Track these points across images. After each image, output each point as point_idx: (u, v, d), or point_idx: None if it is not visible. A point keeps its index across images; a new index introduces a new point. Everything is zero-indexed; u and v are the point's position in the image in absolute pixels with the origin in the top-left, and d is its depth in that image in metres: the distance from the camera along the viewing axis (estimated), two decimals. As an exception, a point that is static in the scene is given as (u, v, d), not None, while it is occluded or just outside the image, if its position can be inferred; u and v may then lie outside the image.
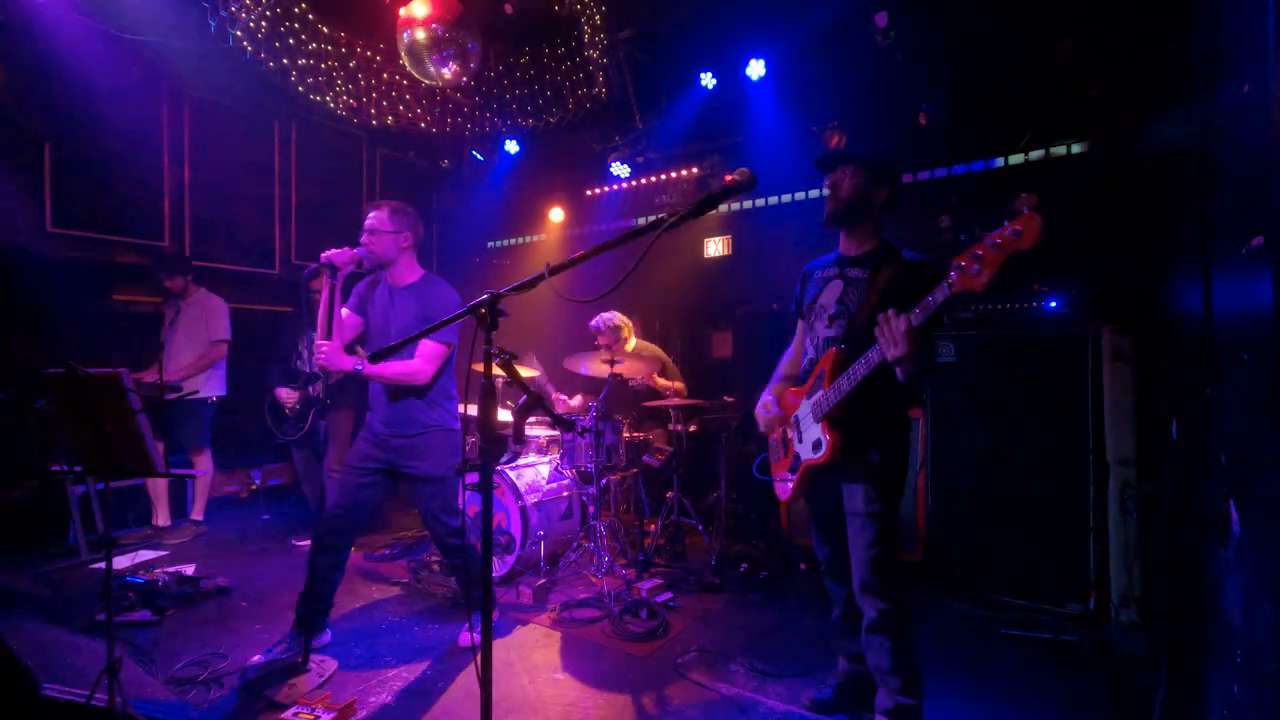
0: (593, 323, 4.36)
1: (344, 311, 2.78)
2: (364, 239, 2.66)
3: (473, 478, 3.59)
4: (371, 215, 2.69)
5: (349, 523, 2.71)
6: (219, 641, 2.83)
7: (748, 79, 4.53)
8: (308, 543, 3.63)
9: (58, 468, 3.74)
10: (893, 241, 2.16)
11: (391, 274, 2.78)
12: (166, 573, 3.33)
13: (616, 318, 4.33)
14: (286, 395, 4.21)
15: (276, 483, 5.44)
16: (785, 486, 2.23)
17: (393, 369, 2.66)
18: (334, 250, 2.51)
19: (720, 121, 5.09)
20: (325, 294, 2.58)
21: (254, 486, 5.31)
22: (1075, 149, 3.89)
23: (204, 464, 4.49)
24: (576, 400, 4.45)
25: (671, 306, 5.91)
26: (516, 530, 3.56)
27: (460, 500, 2.95)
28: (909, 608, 2.04)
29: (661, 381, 4.27)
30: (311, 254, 3.52)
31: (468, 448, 3.80)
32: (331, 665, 2.58)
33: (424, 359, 2.66)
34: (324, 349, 2.52)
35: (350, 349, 3.10)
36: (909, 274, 2.03)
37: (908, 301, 1.81)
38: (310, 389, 4.12)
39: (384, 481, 2.78)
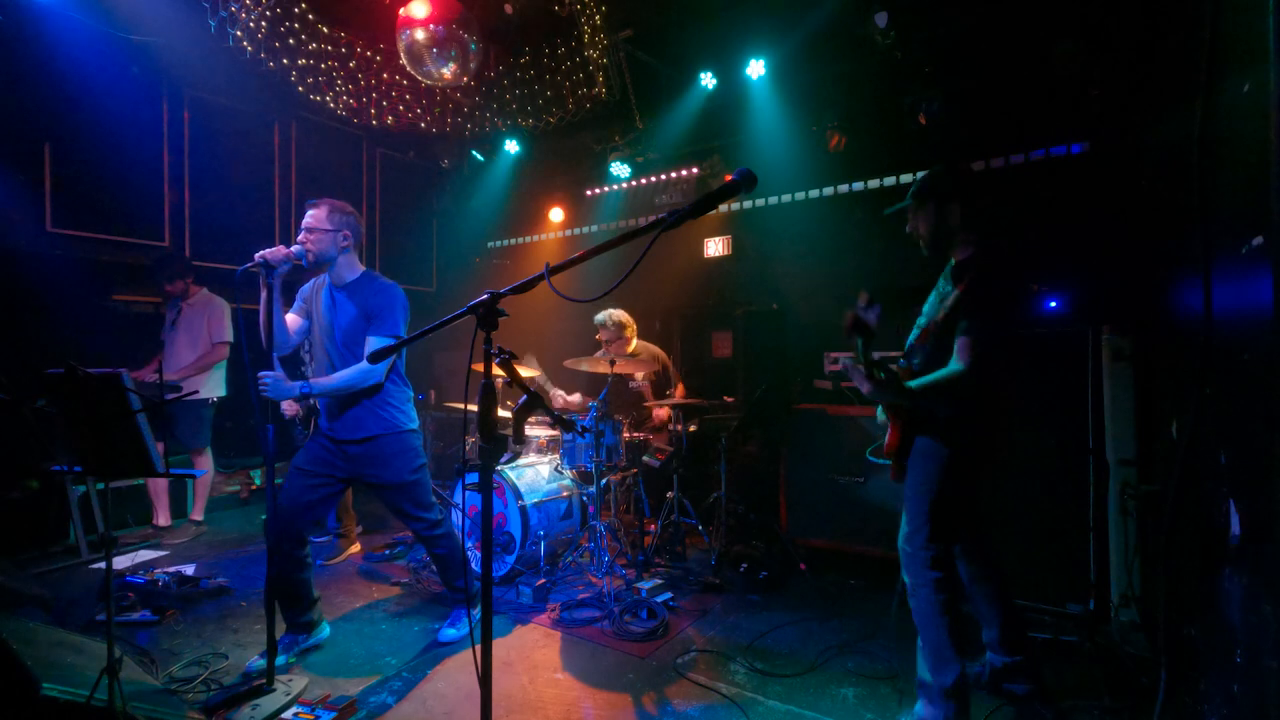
0: (597, 317, 4.35)
1: (289, 316, 2.73)
2: (301, 237, 2.59)
3: (473, 477, 3.60)
4: (309, 214, 2.62)
5: (300, 526, 2.67)
6: (219, 641, 2.83)
7: (748, 79, 4.53)
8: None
9: (58, 468, 3.73)
10: (985, 247, 2.20)
11: (333, 274, 2.71)
12: (166, 573, 3.33)
13: (622, 315, 4.31)
14: (289, 405, 4.18)
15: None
16: None
17: (343, 379, 2.58)
18: (269, 249, 2.39)
19: (720, 121, 5.09)
20: (264, 295, 2.45)
21: (254, 486, 5.32)
22: (1075, 149, 3.89)
23: (204, 464, 4.49)
24: (576, 397, 4.43)
25: (671, 307, 5.91)
26: (516, 530, 3.56)
27: (461, 498, 2.94)
28: None
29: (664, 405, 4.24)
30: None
31: (468, 448, 3.81)
32: (301, 682, 2.45)
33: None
34: (266, 381, 2.41)
35: (296, 352, 2.99)
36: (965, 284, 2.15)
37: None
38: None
39: (337, 485, 2.72)
